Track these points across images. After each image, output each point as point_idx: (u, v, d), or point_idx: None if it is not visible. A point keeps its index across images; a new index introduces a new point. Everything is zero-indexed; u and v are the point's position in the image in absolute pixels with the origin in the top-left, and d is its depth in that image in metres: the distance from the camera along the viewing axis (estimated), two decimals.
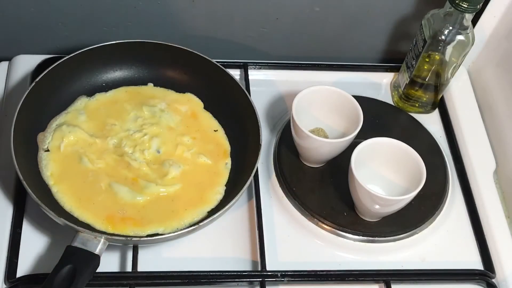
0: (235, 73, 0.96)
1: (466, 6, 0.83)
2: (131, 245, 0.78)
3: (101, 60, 0.90)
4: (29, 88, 0.82)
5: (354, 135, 0.83)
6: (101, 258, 0.72)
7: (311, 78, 0.99)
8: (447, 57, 0.91)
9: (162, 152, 0.84)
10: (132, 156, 0.82)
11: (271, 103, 0.98)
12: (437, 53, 0.91)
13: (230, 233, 0.83)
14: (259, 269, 0.78)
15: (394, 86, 1.01)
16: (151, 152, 0.84)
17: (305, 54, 1.07)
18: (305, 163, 0.89)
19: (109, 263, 0.78)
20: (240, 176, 0.81)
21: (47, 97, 0.84)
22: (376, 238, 0.83)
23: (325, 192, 0.87)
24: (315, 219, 0.84)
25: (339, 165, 0.86)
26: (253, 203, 0.84)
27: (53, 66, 0.85)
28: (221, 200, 0.81)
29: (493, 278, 0.82)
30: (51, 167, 0.80)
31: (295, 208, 0.86)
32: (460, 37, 0.88)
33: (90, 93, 0.89)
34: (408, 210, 0.82)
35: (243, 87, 0.88)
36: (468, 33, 0.88)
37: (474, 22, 0.96)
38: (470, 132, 0.97)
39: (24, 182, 0.73)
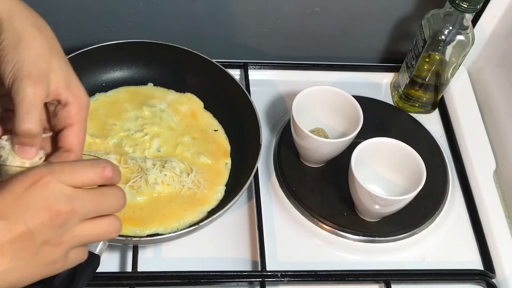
0: (235, 73, 0.96)
1: (466, 6, 0.83)
2: (131, 245, 0.78)
3: (101, 60, 0.90)
4: None
5: (354, 135, 0.83)
6: (101, 258, 0.72)
7: (311, 78, 0.99)
8: (447, 57, 0.91)
9: (162, 151, 0.84)
10: (132, 156, 0.82)
11: (271, 103, 0.98)
12: (437, 53, 0.91)
13: (230, 233, 0.83)
14: (259, 269, 0.78)
15: (394, 86, 1.01)
16: (151, 152, 0.84)
17: (305, 54, 1.07)
18: (305, 163, 0.89)
19: (109, 263, 0.78)
20: (240, 176, 0.81)
21: None
22: (376, 238, 0.83)
23: (325, 192, 0.87)
24: (315, 219, 0.84)
25: (339, 165, 0.86)
26: (253, 203, 0.84)
27: None
28: (221, 200, 0.81)
29: (493, 278, 0.82)
30: None
31: (295, 208, 0.86)
32: (460, 37, 0.88)
33: (90, 93, 0.89)
34: (408, 210, 0.82)
35: (243, 87, 0.88)
36: (468, 33, 0.88)
37: (474, 22, 0.96)
38: (470, 132, 0.97)
39: None
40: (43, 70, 0.55)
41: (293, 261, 0.81)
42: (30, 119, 0.54)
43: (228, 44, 1.05)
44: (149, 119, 0.87)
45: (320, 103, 0.88)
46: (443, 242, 0.86)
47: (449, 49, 0.89)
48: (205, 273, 0.77)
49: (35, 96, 0.54)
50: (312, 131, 0.87)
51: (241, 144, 0.86)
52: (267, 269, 0.78)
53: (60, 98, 0.57)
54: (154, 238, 0.75)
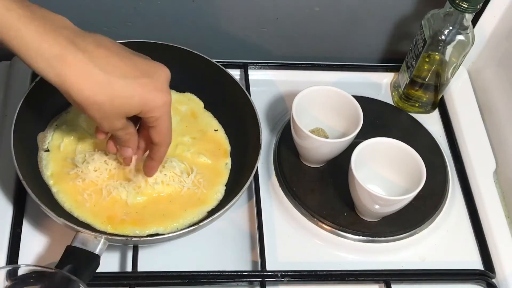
0: (235, 73, 0.96)
1: (466, 6, 0.83)
2: (131, 245, 0.78)
3: None
4: (29, 88, 0.82)
5: (354, 135, 0.83)
6: (101, 258, 0.72)
7: (311, 78, 0.99)
8: (447, 57, 0.91)
9: None
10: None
11: (271, 103, 0.98)
12: (437, 53, 0.91)
13: (230, 233, 0.83)
14: (259, 269, 0.78)
15: (394, 86, 1.01)
16: None
17: (305, 54, 1.07)
18: (305, 163, 0.89)
19: (109, 263, 0.78)
20: (240, 176, 0.81)
21: (47, 97, 0.84)
22: (376, 238, 0.83)
23: (325, 192, 0.87)
24: (315, 219, 0.84)
25: (339, 165, 0.86)
26: (253, 203, 0.84)
27: None
28: (221, 200, 0.81)
29: (493, 278, 0.82)
30: (51, 167, 0.80)
31: (295, 208, 0.86)
32: (460, 37, 0.88)
33: None
34: (408, 210, 0.82)
35: (243, 87, 0.88)
36: (468, 33, 0.88)
37: (474, 22, 0.96)
38: (470, 132, 0.97)
39: (24, 182, 0.73)
40: (114, 124, 0.66)
41: (293, 261, 0.81)
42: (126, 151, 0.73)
43: (228, 44, 1.05)
44: None
45: (320, 103, 0.88)
46: (443, 242, 0.86)
47: (449, 49, 0.89)
48: (205, 273, 0.77)
49: (122, 139, 0.71)
50: (312, 131, 0.87)
51: (241, 144, 0.86)
52: (267, 269, 0.78)
53: (139, 115, 0.67)
54: (154, 238, 0.75)
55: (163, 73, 0.68)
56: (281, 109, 0.97)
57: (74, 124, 0.84)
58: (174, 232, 0.75)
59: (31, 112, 0.81)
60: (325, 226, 0.84)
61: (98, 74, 0.61)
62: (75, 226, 0.72)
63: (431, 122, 0.99)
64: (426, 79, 0.94)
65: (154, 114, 0.67)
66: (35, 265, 0.72)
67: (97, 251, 0.71)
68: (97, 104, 0.62)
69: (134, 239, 0.75)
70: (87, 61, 0.61)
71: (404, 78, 0.97)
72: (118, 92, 0.63)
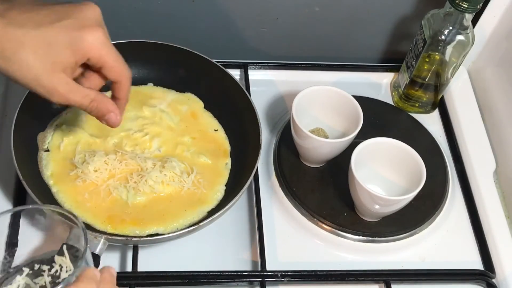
0: (235, 73, 0.96)
1: (466, 6, 0.83)
2: (131, 245, 0.78)
3: None
4: None
5: (354, 135, 0.83)
6: (101, 258, 0.72)
7: (311, 78, 0.99)
8: (447, 57, 0.91)
9: (162, 151, 0.84)
10: (132, 156, 0.82)
11: (271, 103, 0.98)
12: (437, 53, 0.91)
13: (230, 233, 0.83)
14: (259, 269, 0.78)
15: (394, 86, 1.01)
16: (151, 152, 0.83)
17: (305, 54, 1.07)
18: (305, 163, 0.90)
19: (109, 263, 0.77)
20: (240, 176, 0.81)
21: None
22: (376, 238, 0.83)
23: (325, 192, 0.87)
24: (315, 219, 0.84)
25: (339, 165, 0.86)
26: (253, 203, 0.84)
27: None
28: (221, 200, 0.81)
29: (493, 278, 0.82)
30: (51, 167, 0.80)
31: (295, 208, 0.86)
32: (460, 37, 0.88)
33: None
34: (408, 210, 0.82)
35: (243, 87, 0.88)
36: (468, 33, 0.88)
37: (474, 22, 0.96)
38: (470, 132, 0.97)
39: (24, 182, 0.73)
40: (57, 82, 0.63)
41: (293, 261, 0.81)
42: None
43: (228, 44, 1.05)
44: (149, 119, 0.87)
45: (320, 103, 0.88)
46: (443, 242, 0.86)
47: (449, 49, 0.89)
48: (205, 273, 0.77)
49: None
50: (312, 131, 0.87)
51: (241, 144, 0.86)
52: (267, 269, 0.78)
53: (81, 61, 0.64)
54: (154, 238, 0.75)
55: (88, 12, 0.64)
56: (281, 109, 0.97)
57: (74, 124, 0.84)
58: (174, 232, 0.75)
59: (31, 112, 0.81)
60: (325, 226, 0.84)
61: (13, 32, 0.59)
62: None
63: (431, 122, 0.99)
64: (426, 79, 0.94)
65: (92, 53, 0.63)
66: (42, 205, 0.70)
67: (97, 251, 0.71)
68: (23, 62, 0.59)
69: (134, 239, 0.75)
70: None
71: (404, 78, 0.97)
72: (36, 40, 0.60)
